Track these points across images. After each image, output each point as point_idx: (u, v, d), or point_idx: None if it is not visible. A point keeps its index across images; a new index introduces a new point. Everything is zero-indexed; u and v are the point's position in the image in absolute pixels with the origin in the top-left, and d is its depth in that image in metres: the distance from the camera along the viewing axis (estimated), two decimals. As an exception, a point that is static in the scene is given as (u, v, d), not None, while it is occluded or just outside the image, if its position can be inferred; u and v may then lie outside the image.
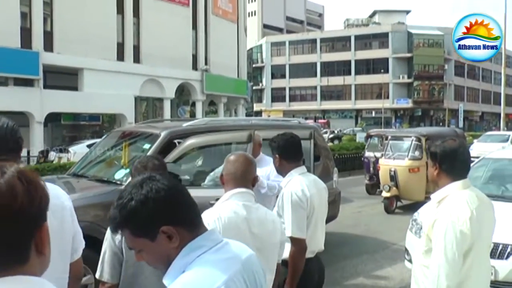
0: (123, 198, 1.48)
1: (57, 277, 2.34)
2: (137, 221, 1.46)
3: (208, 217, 2.38)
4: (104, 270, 2.67)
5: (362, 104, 67.69)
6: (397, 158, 11.63)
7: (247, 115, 41.56)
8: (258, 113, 64.40)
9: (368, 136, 15.51)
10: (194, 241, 1.50)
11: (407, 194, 11.25)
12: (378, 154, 13.65)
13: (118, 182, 5.66)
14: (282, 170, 3.52)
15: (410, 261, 6.05)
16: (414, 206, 9.87)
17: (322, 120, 58.59)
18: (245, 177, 2.66)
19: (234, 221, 2.46)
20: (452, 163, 2.74)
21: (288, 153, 3.46)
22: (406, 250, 6.17)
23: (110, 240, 2.67)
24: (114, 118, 27.28)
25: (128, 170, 5.77)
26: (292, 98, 72.01)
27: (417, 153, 11.35)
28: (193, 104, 32.75)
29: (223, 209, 2.52)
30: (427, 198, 10.75)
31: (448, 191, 2.73)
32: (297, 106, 69.94)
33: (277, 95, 72.97)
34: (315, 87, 70.79)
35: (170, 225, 1.47)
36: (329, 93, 70.48)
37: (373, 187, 13.61)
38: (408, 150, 11.49)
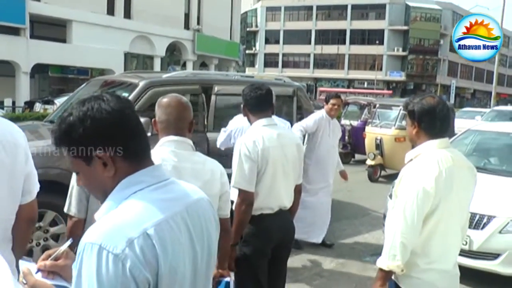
0: (64, 113, 1.37)
1: (4, 218, 2.19)
2: (72, 139, 1.33)
3: None
4: (71, 204, 2.63)
5: (355, 75, 67.42)
6: (384, 127, 11.53)
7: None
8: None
9: (345, 104, 15.31)
10: (134, 175, 1.36)
11: (392, 164, 11.18)
12: (354, 122, 13.54)
13: None
14: (249, 122, 3.44)
15: (387, 227, 6.01)
16: (398, 176, 9.82)
17: (388, 91, 52.24)
18: (179, 124, 2.46)
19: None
20: (431, 121, 2.60)
21: (253, 104, 3.37)
22: (384, 216, 6.12)
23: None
24: (103, 73, 26.90)
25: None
26: (285, 64, 71.49)
27: (404, 123, 11.22)
28: (184, 64, 32.36)
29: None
30: (411, 168, 10.89)
31: (422, 149, 2.61)
32: (290, 72, 69.23)
33: (270, 61, 72.40)
34: (309, 55, 70.28)
35: (106, 152, 1.32)
36: (322, 62, 70.02)
37: (347, 156, 13.50)
38: (396, 119, 11.37)
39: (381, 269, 2.55)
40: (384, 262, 2.52)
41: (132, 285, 1.20)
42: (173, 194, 1.41)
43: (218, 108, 6.58)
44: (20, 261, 1.65)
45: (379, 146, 11.33)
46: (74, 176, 2.55)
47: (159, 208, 1.32)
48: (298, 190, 3.53)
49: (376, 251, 6.27)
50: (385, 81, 66.34)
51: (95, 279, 1.18)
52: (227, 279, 2.82)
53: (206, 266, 1.48)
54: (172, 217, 1.34)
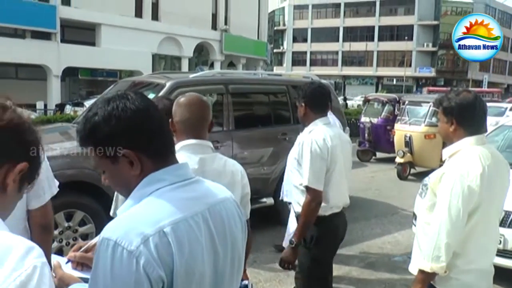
0: (90, 112, 1.36)
1: (20, 217, 2.21)
2: (98, 138, 1.32)
3: None
4: (117, 208, 2.55)
5: (384, 71, 66.53)
6: (413, 124, 11.33)
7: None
8: (278, 77, 63.66)
9: (366, 101, 15.09)
10: (156, 173, 1.35)
11: (422, 161, 10.99)
12: (374, 120, 13.34)
13: None
14: (305, 120, 3.37)
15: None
16: (428, 173, 9.62)
17: (496, 89, 50.16)
18: (202, 125, 2.33)
19: None
20: (469, 117, 2.50)
21: (314, 102, 3.32)
22: (414, 215, 6.00)
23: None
24: (132, 75, 27.22)
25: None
26: (313, 63, 71.02)
27: (434, 119, 11.02)
28: (212, 64, 32.46)
29: None
30: (442, 166, 10.69)
31: (460, 145, 2.51)
32: (318, 70, 68.69)
33: (298, 59, 72.05)
34: (337, 52, 69.66)
35: (132, 150, 1.32)
36: (350, 59, 69.34)
37: (364, 154, 13.31)
38: (425, 116, 11.16)
39: (422, 271, 2.44)
40: (427, 264, 2.40)
41: (146, 283, 1.19)
42: (195, 193, 1.39)
43: (245, 107, 6.58)
44: (52, 255, 1.71)
45: (408, 143, 11.15)
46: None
47: (178, 207, 1.31)
48: None
49: (405, 250, 6.16)
50: (415, 77, 65.30)
51: (109, 274, 1.19)
52: (245, 282, 2.79)
53: (231, 268, 1.45)
54: (192, 216, 1.33)
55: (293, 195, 3.43)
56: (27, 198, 2.22)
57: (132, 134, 1.32)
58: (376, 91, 62.34)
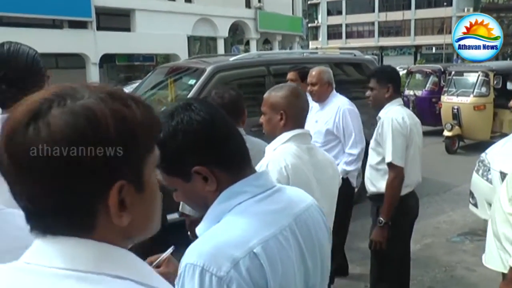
0: None
1: None
2: (168, 158, 1.16)
3: (273, 166, 2.07)
4: (185, 205, 2.59)
5: (422, 40, 64.73)
6: (461, 95, 10.89)
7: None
8: (314, 52, 62.89)
9: (409, 73, 14.60)
10: (235, 185, 1.21)
11: (471, 134, 10.58)
12: (418, 92, 12.90)
13: None
14: (387, 101, 3.42)
15: (475, 205, 5.63)
16: (478, 146, 9.29)
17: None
18: (304, 116, 2.32)
19: (300, 168, 2.11)
20: None
21: (398, 84, 3.49)
22: (471, 193, 5.75)
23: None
24: (168, 58, 27.31)
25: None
26: (349, 35, 69.82)
27: (483, 90, 10.57)
28: (247, 43, 32.23)
29: (286, 154, 2.14)
30: (493, 138, 10.26)
31: None
32: (354, 43, 67.66)
33: (333, 32, 70.93)
34: (373, 23, 68.16)
35: (205, 165, 1.19)
36: (387, 29, 67.74)
37: None
38: (474, 86, 10.70)
39: None
40: None
41: None
42: (280, 205, 1.25)
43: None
44: None
45: (456, 115, 10.74)
46: None
47: (265, 223, 1.18)
48: None
49: (462, 230, 5.94)
50: (456, 44, 63.31)
51: None
52: None
53: (321, 280, 1.34)
54: (280, 231, 1.20)
55: (367, 174, 3.51)
56: None
57: (202, 148, 1.20)
58: (415, 61, 60.84)
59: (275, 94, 2.25)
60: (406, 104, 13.15)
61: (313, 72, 4.25)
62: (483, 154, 5.73)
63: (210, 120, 1.22)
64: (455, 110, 10.72)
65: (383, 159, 3.31)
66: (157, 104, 6.24)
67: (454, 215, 6.46)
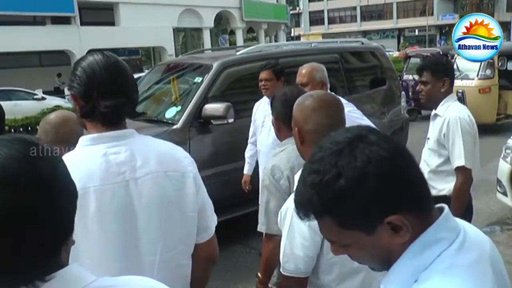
0: (322, 172, 0.92)
1: (177, 264, 1.76)
2: (349, 209, 0.91)
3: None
4: (270, 221, 2.17)
5: (405, 23, 64.81)
6: (465, 78, 10.70)
7: (287, 40, 40.32)
8: (297, 38, 62.54)
9: (407, 57, 14.42)
10: (428, 232, 0.96)
11: (477, 117, 9.98)
12: (417, 77, 12.73)
13: (170, 122, 5.05)
14: (443, 96, 3.11)
15: (504, 193, 5.44)
16: (484, 129, 9.10)
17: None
18: (328, 130, 1.97)
19: None
20: None
21: (453, 77, 3.22)
22: (498, 181, 5.55)
23: (272, 187, 2.18)
24: (153, 51, 26.91)
25: (179, 108, 5.22)
26: (331, 21, 69.61)
27: (488, 72, 10.39)
28: (231, 32, 31.83)
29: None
30: (498, 120, 10.12)
31: None
32: (337, 28, 67.57)
33: (315, 18, 70.69)
34: (355, 8, 68.03)
35: (398, 213, 0.92)
36: (369, 13, 67.75)
37: (411, 113, 12.74)
38: (478, 69, 10.52)
39: None
40: None
41: None
42: (476, 252, 0.99)
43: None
44: None
45: (461, 99, 10.54)
46: (265, 189, 2.23)
47: (479, 278, 0.94)
48: None
49: (489, 219, 5.75)
50: (438, 26, 63.38)
51: None
52: None
53: None
54: (492, 286, 0.96)
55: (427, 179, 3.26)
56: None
57: (396, 192, 0.92)
58: (398, 43, 60.91)
59: (296, 104, 1.93)
60: (405, 89, 13.06)
61: (303, 70, 3.65)
62: (509, 140, 5.54)
63: (400, 155, 0.96)
64: (460, 94, 10.52)
65: (445, 161, 3.09)
66: (159, 104, 5.91)
67: (478, 204, 6.23)
